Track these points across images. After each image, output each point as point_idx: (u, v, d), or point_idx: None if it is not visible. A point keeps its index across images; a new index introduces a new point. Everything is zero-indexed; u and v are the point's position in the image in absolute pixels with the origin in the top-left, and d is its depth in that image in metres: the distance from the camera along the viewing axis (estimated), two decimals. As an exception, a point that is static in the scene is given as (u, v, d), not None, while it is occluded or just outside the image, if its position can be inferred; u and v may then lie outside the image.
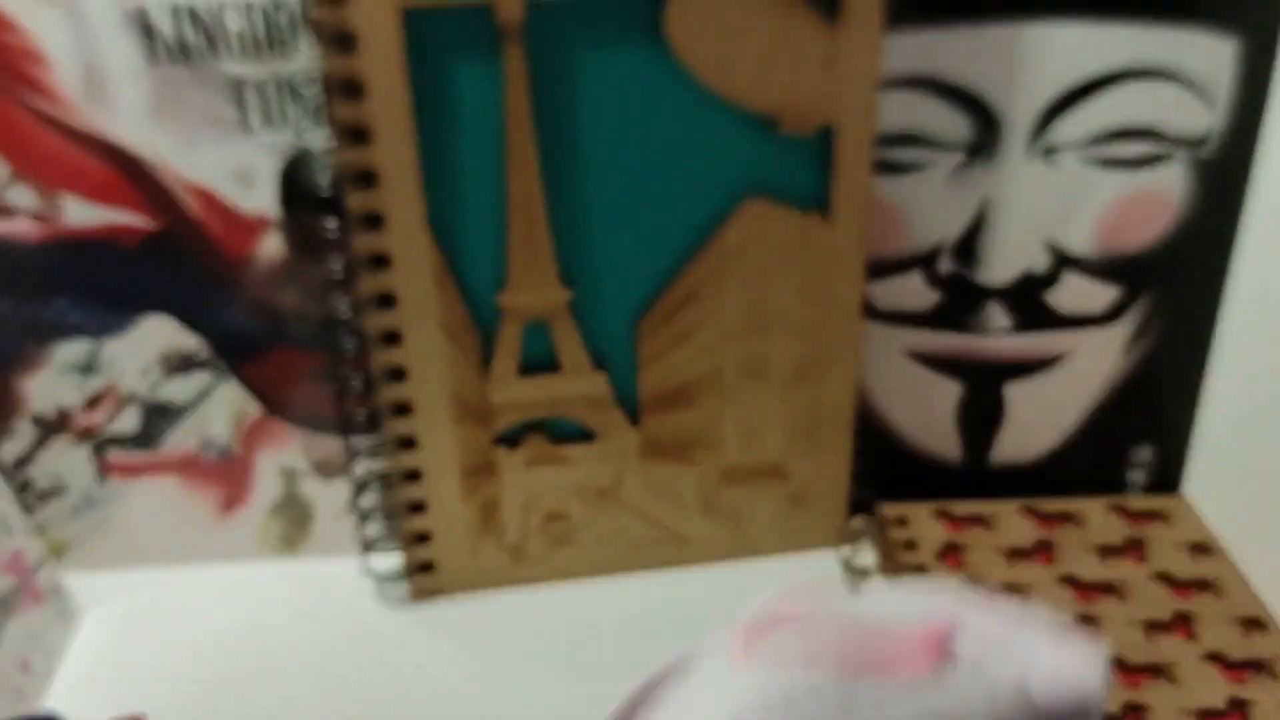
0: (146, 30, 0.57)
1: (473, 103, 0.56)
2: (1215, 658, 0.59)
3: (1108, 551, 0.67)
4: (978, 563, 0.66)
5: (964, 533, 0.68)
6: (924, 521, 0.69)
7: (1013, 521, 0.69)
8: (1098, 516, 0.69)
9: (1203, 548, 0.67)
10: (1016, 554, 0.66)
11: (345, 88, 0.55)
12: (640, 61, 0.56)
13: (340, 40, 0.54)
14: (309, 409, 0.67)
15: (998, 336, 0.68)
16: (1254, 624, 0.61)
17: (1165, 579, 0.64)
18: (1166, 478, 0.72)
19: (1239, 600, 0.63)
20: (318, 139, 0.59)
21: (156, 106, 0.59)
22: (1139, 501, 0.71)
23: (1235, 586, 0.64)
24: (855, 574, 0.67)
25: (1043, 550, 0.67)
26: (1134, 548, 0.67)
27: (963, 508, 0.70)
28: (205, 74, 0.58)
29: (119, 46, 0.58)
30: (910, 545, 0.67)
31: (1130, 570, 0.65)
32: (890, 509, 0.70)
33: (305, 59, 0.57)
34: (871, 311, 0.67)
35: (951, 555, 0.67)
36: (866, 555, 0.69)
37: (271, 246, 0.63)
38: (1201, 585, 0.64)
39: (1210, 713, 0.56)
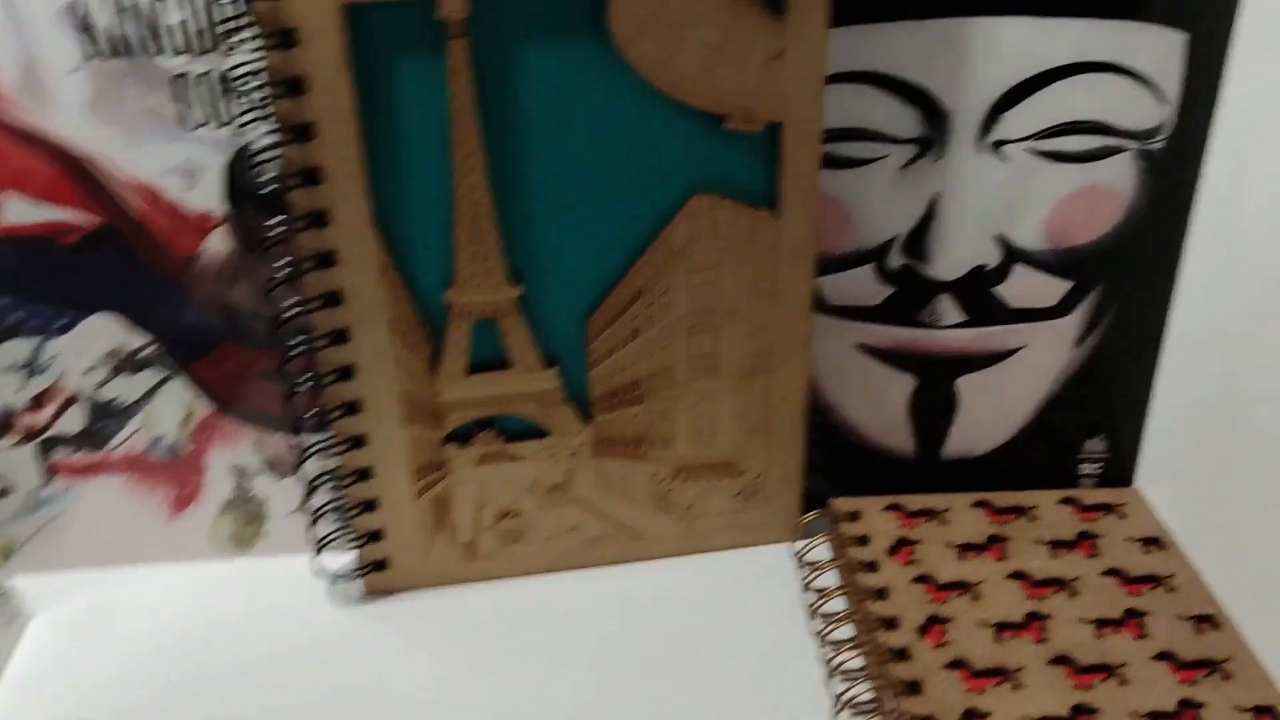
0: (85, 24, 0.56)
1: (417, 99, 0.56)
2: (1166, 656, 0.59)
3: (1059, 546, 0.66)
4: (929, 558, 0.66)
5: (916, 527, 0.68)
6: (876, 516, 0.69)
7: (965, 515, 0.69)
8: (1050, 510, 0.69)
9: (1154, 541, 0.67)
10: (968, 549, 0.66)
11: (288, 84, 0.54)
12: (584, 57, 0.56)
13: (282, 35, 0.54)
14: (260, 407, 0.66)
15: (949, 330, 0.68)
16: (1205, 620, 0.61)
17: (1116, 574, 0.64)
18: (1119, 470, 0.72)
19: (1190, 596, 0.63)
20: (262, 135, 0.58)
21: (97, 102, 0.58)
22: (1091, 494, 0.71)
23: (1187, 581, 0.64)
24: (808, 569, 0.67)
25: (995, 544, 0.67)
26: (1085, 541, 0.67)
27: (916, 501, 0.70)
28: (146, 69, 0.58)
29: (57, 41, 0.57)
30: (863, 540, 0.67)
31: (1082, 565, 0.65)
32: (843, 503, 0.70)
33: (247, 54, 0.57)
34: (823, 305, 0.67)
35: (903, 550, 0.66)
36: (820, 550, 0.69)
37: (217, 244, 0.62)
38: (1153, 580, 0.64)
39: (1161, 715, 0.56)
